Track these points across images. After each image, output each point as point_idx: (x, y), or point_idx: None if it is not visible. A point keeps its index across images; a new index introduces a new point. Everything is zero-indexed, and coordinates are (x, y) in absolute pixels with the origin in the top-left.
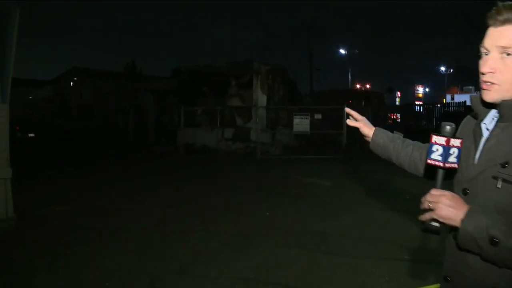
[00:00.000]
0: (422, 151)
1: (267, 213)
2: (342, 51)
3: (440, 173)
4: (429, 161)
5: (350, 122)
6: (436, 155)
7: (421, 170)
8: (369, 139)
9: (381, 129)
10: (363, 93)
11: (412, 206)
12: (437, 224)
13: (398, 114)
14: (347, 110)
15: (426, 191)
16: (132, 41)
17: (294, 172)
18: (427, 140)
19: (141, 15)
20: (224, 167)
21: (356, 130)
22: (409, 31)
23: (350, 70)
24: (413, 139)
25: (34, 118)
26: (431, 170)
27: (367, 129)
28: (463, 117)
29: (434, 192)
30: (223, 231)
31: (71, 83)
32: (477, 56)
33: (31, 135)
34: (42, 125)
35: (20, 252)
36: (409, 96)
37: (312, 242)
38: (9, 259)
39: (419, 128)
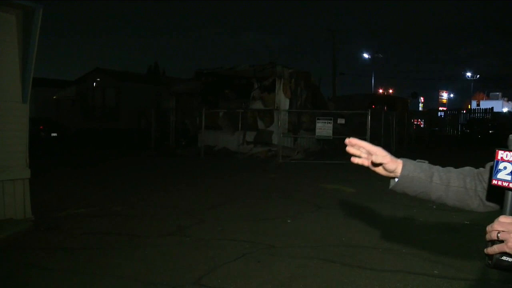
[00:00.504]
0: (476, 178)
1: (289, 221)
2: (366, 55)
3: (510, 195)
4: (494, 181)
5: (355, 159)
6: (504, 174)
7: (485, 203)
8: (394, 175)
9: (409, 159)
10: (387, 98)
11: (440, 217)
12: (509, 259)
13: (421, 120)
14: (352, 141)
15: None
16: (156, 43)
17: (316, 177)
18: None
19: (167, 17)
20: (245, 172)
21: (379, 135)
22: (434, 37)
23: (373, 74)
24: (439, 145)
25: (58, 118)
26: (496, 192)
27: (392, 163)
28: (489, 123)
29: (504, 219)
30: (243, 239)
31: (94, 83)
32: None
33: (54, 134)
34: (65, 125)
35: (34, 255)
36: (433, 101)
37: (337, 253)
38: (22, 263)
39: (445, 134)
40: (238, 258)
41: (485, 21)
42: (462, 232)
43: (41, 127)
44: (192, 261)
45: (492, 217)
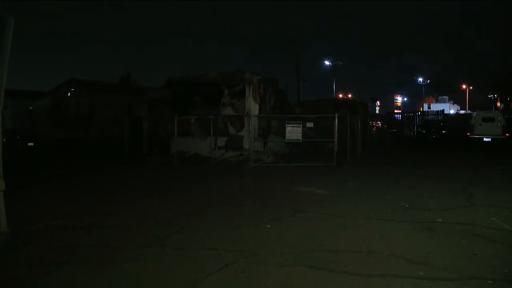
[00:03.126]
0: None
1: (268, 226)
2: (327, 62)
3: None
4: None
5: None
6: None
7: None
8: None
9: None
10: (349, 102)
11: (413, 216)
12: None
13: (379, 122)
14: None
15: (422, 199)
16: (128, 53)
17: (289, 180)
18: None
19: (137, 28)
20: (218, 177)
21: (345, 138)
22: (386, 45)
23: (334, 80)
24: (401, 146)
25: (34, 128)
26: None
27: None
28: (442, 124)
29: None
30: (224, 248)
31: (68, 94)
32: None
33: (31, 144)
34: (41, 134)
35: (8, 271)
36: (389, 105)
37: (321, 259)
38: None
39: (403, 135)
40: (221, 269)
41: (428, 29)
42: (438, 231)
43: (18, 137)
44: (173, 275)
45: (463, 215)
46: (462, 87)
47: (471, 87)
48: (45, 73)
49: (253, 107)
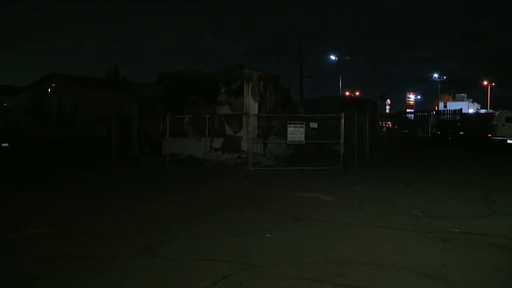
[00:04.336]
0: None
1: (268, 235)
2: (333, 57)
3: None
4: None
5: None
6: None
7: None
8: None
9: None
10: (357, 100)
11: (427, 225)
12: None
13: (389, 122)
14: None
15: (439, 207)
16: (115, 47)
17: (290, 185)
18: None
19: (126, 20)
20: (215, 181)
21: (352, 139)
22: (400, 40)
23: (340, 76)
24: (413, 149)
25: (9, 126)
26: None
27: None
28: (460, 124)
29: None
30: (220, 258)
31: (49, 89)
32: None
33: (5, 145)
34: (18, 134)
35: None
36: (400, 103)
37: (326, 271)
38: None
39: (415, 136)
40: (218, 282)
41: (446, 24)
42: (454, 241)
43: None
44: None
45: (484, 225)
46: (483, 83)
47: (493, 84)
48: (23, 67)
49: (252, 105)
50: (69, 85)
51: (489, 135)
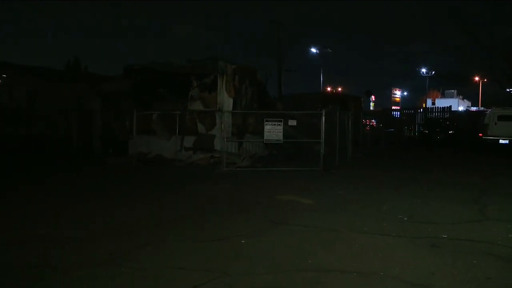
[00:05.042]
0: None
1: (243, 241)
2: (314, 50)
3: None
4: None
5: None
6: None
7: None
8: None
9: None
10: (339, 96)
11: (414, 230)
12: None
13: (374, 120)
14: None
15: (426, 211)
16: (75, 35)
17: (268, 187)
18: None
19: (88, 11)
20: (186, 183)
21: (334, 138)
22: (383, 32)
23: (322, 71)
24: (399, 148)
25: None
26: None
27: None
28: (449, 123)
29: None
30: (192, 267)
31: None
32: None
33: None
34: None
35: None
36: (385, 100)
37: (305, 280)
38: None
39: (402, 135)
40: None
41: (436, 15)
42: (444, 248)
43: None
44: None
45: (474, 230)
46: (474, 79)
47: (485, 80)
48: None
49: (227, 101)
50: (23, 77)
51: (480, 134)
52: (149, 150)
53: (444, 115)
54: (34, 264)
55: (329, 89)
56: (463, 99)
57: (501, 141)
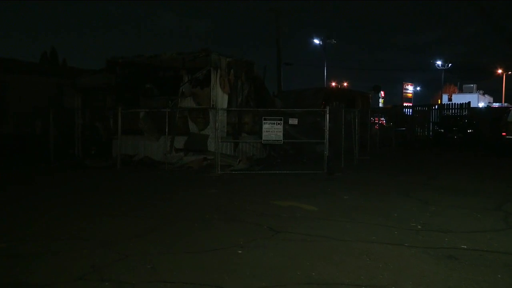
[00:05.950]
0: None
1: (239, 251)
2: (317, 41)
3: None
4: None
5: None
6: None
7: None
8: None
9: None
10: (345, 92)
11: (428, 240)
12: None
13: (383, 118)
14: None
15: (442, 219)
16: (51, 23)
17: (266, 192)
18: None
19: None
20: (176, 187)
21: (339, 138)
22: (393, 23)
23: (325, 64)
24: (411, 150)
25: None
26: None
27: None
28: (468, 121)
29: None
30: (182, 280)
31: None
32: None
33: None
34: None
35: None
36: (396, 96)
37: None
38: None
39: (414, 135)
40: None
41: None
42: (463, 260)
43: None
44: None
45: (497, 241)
46: (497, 72)
47: (510, 72)
48: None
49: (221, 98)
50: None
51: (504, 133)
52: (135, 152)
53: (462, 112)
54: (7, 281)
55: (333, 84)
56: (483, 94)
57: None
